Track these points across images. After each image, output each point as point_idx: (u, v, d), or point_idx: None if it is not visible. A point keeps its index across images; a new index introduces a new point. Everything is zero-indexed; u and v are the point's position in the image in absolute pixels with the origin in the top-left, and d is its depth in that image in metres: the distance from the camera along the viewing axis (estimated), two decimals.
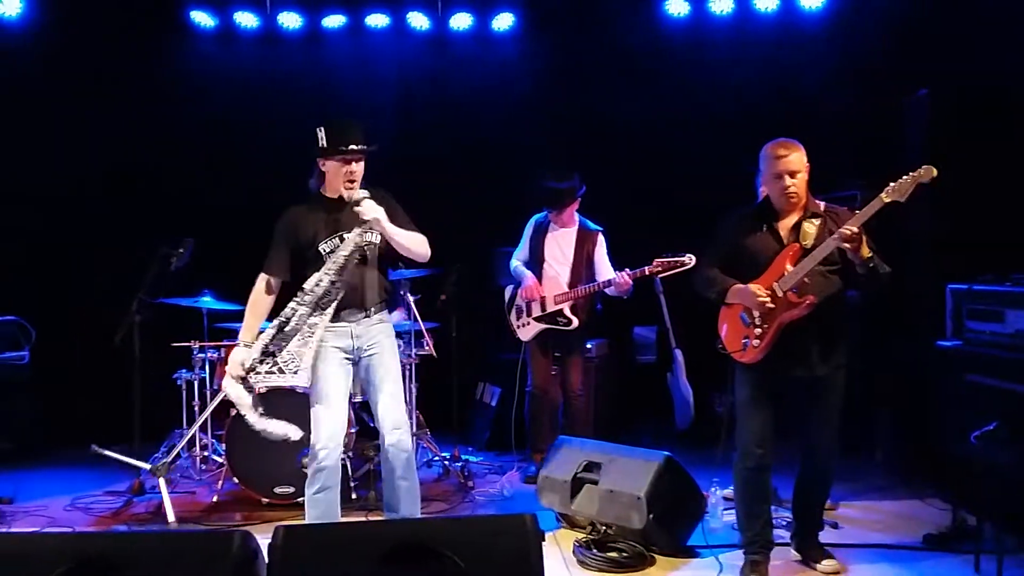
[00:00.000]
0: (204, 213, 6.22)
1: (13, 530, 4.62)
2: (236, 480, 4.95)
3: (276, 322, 3.79)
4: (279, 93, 6.71)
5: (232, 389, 3.77)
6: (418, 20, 6.76)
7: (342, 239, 3.83)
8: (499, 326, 6.01)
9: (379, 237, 3.89)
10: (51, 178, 6.38)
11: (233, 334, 5.28)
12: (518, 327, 5.67)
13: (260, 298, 3.91)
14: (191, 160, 6.62)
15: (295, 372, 3.73)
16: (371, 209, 3.78)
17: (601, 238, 5.55)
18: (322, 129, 3.86)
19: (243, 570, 2.43)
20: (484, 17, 6.81)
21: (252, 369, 3.75)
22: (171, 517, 4.50)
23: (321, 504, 3.83)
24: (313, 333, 3.76)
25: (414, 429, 5.67)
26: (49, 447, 6.25)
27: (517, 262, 5.70)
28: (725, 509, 4.52)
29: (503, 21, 6.81)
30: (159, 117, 6.40)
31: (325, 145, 3.87)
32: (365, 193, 3.84)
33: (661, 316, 5.70)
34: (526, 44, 6.88)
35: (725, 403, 6.47)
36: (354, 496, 5.01)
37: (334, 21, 6.72)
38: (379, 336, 3.98)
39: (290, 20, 6.67)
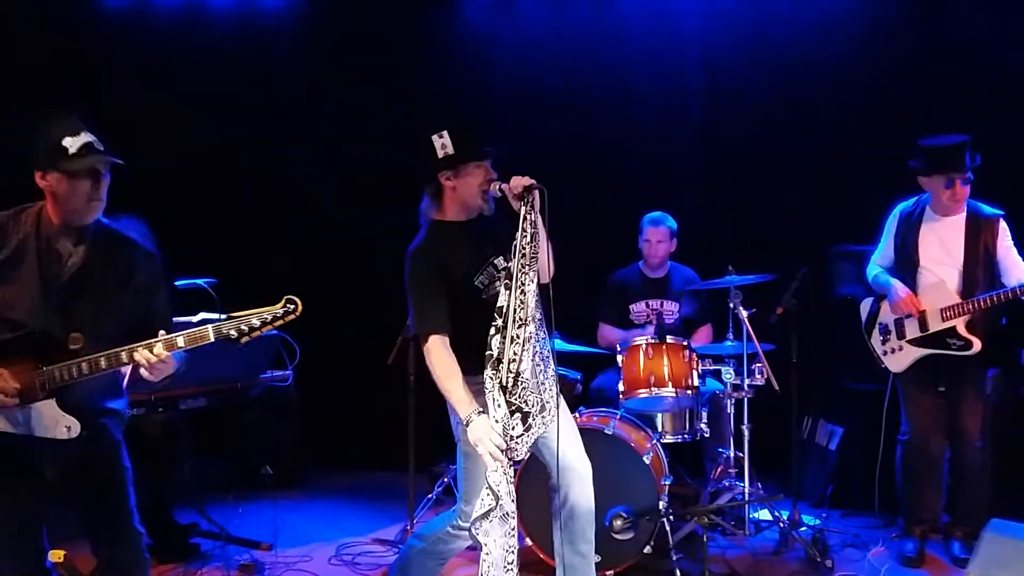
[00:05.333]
0: None
1: None
2: (528, 539, 4.00)
3: (502, 365, 2.94)
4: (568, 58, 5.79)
5: (496, 477, 2.93)
6: None
7: (496, 268, 3.16)
8: (842, 348, 4.90)
9: None
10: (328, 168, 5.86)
11: None
12: (884, 353, 4.30)
13: (452, 361, 3.06)
14: None
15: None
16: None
17: (1004, 226, 4.08)
18: (444, 134, 3.10)
19: None
20: None
21: (509, 435, 2.96)
22: None
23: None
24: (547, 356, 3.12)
25: (747, 483, 4.41)
26: (312, 474, 5.75)
27: (878, 268, 4.35)
28: None
29: None
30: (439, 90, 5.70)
31: (453, 152, 3.11)
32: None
33: None
34: None
35: None
36: (678, 573, 3.83)
37: None
38: None
39: None
